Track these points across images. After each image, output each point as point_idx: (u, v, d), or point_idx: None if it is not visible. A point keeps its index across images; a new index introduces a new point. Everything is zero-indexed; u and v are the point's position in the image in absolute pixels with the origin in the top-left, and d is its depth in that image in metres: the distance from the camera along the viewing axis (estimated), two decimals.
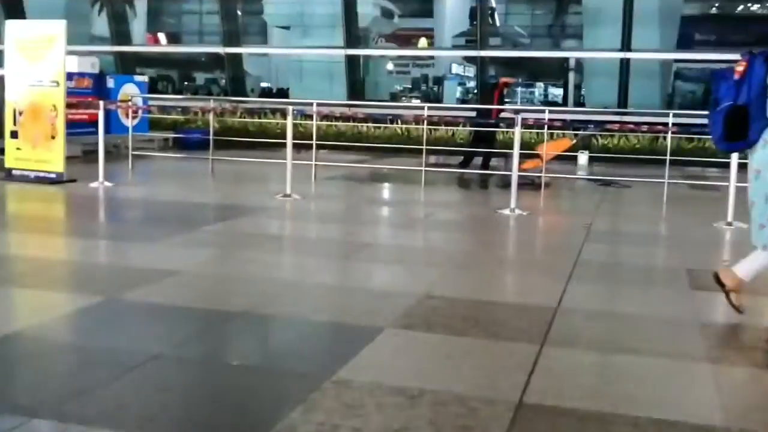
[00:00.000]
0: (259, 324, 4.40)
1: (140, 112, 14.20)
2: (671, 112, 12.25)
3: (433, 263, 6.10)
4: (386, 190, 11.38)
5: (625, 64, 18.72)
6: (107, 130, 10.98)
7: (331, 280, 5.55)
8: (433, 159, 12.88)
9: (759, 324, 4.68)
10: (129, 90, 14.42)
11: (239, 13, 23.93)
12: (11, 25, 10.36)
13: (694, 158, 13.55)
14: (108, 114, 11.57)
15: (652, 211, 9.54)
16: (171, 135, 16.14)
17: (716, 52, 20.57)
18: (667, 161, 10.54)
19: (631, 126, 11.76)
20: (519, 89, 32.14)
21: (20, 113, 10.02)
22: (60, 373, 3.53)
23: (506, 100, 13.27)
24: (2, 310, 4.53)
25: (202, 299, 4.80)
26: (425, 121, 12.14)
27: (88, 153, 12.42)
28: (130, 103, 13.36)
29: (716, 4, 30.85)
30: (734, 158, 8.32)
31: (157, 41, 30.43)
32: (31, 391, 3.28)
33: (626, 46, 18.50)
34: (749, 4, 29.41)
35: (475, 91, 22.52)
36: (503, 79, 13.09)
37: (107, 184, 9.79)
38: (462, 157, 12.75)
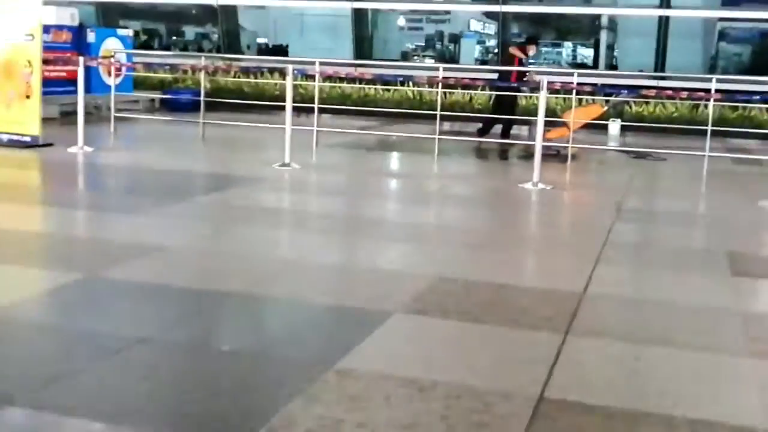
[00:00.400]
0: (255, 306, 4.42)
1: (124, 69, 14.17)
2: (714, 77, 12.18)
3: (448, 242, 6.11)
4: (396, 160, 11.37)
5: (663, 22, 18.57)
6: (87, 90, 10.97)
7: (334, 260, 5.57)
8: (447, 126, 12.86)
9: None
10: (111, 45, 14.39)
11: None
12: None
13: (738, 129, 13.50)
14: (88, 71, 11.54)
15: (690, 188, 9.52)
16: (158, 95, 16.12)
17: (766, 10, 20.37)
18: (708, 132, 10.50)
19: (669, 92, 11.68)
20: (543, 49, 31.90)
21: None
22: (35, 358, 3.56)
23: (531, 61, 13.20)
24: None
25: (192, 278, 4.83)
26: (440, 84, 12.09)
27: (66, 114, 12.42)
28: (112, 60, 13.33)
29: None
30: None
31: None
32: (3, 377, 3.31)
33: (665, 2, 18.35)
34: None
35: (496, 50, 22.39)
36: (511, 50, 12.98)
37: (87, 149, 9.80)
38: (480, 125, 12.72)
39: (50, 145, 9.88)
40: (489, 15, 28.75)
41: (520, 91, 12.73)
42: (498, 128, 12.47)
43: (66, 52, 13.46)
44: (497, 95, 12.75)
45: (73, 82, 11.11)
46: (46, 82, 10.94)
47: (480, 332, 4.05)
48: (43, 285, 4.61)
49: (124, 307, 4.31)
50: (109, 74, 13.20)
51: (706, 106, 13.63)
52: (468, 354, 3.78)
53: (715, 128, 10.81)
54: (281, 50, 25.80)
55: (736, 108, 14.76)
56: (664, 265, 5.69)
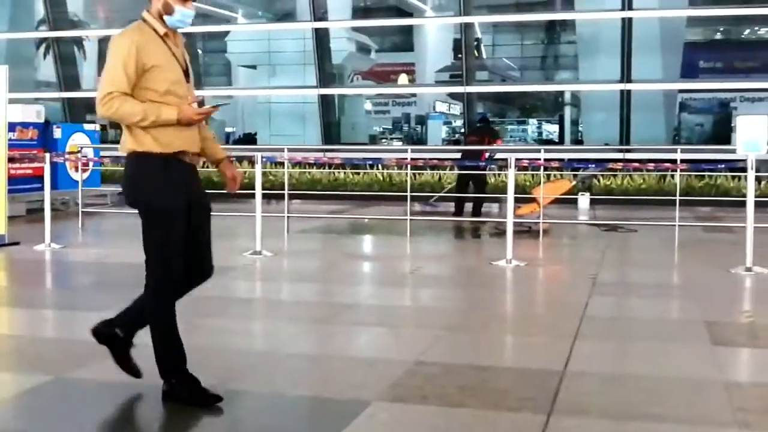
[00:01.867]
0: (229, 401, 4.31)
1: (91, 164, 14.14)
2: (679, 147, 12.39)
3: (424, 325, 6.03)
4: (368, 243, 11.34)
5: (625, 96, 18.96)
6: (54, 186, 10.93)
7: (308, 349, 5.47)
8: (418, 207, 12.92)
9: None
10: (78, 140, 14.39)
11: (200, 52, 24.11)
12: None
13: (705, 197, 13.67)
14: (55, 167, 11.51)
15: (664, 258, 9.55)
16: None
17: (724, 81, 20.92)
18: (677, 201, 10.60)
19: (636, 164, 11.86)
20: (509, 127, 32.48)
21: None
22: None
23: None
24: None
25: None
26: (408, 165, 12.18)
27: (33, 211, 12.32)
28: (79, 155, 13.31)
29: (721, 29, 31.50)
30: (750, 196, 8.37)
31: None
32: None
33: (626, 76, 18.76)
34: (757, 28, 30.04)
35: (462, 130, 22.70)
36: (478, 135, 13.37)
37: (55, 246, 9.68)
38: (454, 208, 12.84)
39: (17, 243, 9.75)
40: (454, 96, 29.25)
41: (486, 169, 12.90)
42: (469, 207, 12.55)
43: (32, 149, 13.41)
44: (460, 174, 12.92)
45: (40, 178, 11.04)
46: (12, 180, 10.86)
47: (461, 417, 3.96)
48: (10, 389, 4.47)
49: (94, 408, 4.18)
50: (76, 170, 13.16)
51: (672, 177, 13.83)
52: None
53: (683, 198, 10.93)
54: (250, 138, 25.98)
55: (702, 177, 14.99)
56: (644, 337, 5.65)
